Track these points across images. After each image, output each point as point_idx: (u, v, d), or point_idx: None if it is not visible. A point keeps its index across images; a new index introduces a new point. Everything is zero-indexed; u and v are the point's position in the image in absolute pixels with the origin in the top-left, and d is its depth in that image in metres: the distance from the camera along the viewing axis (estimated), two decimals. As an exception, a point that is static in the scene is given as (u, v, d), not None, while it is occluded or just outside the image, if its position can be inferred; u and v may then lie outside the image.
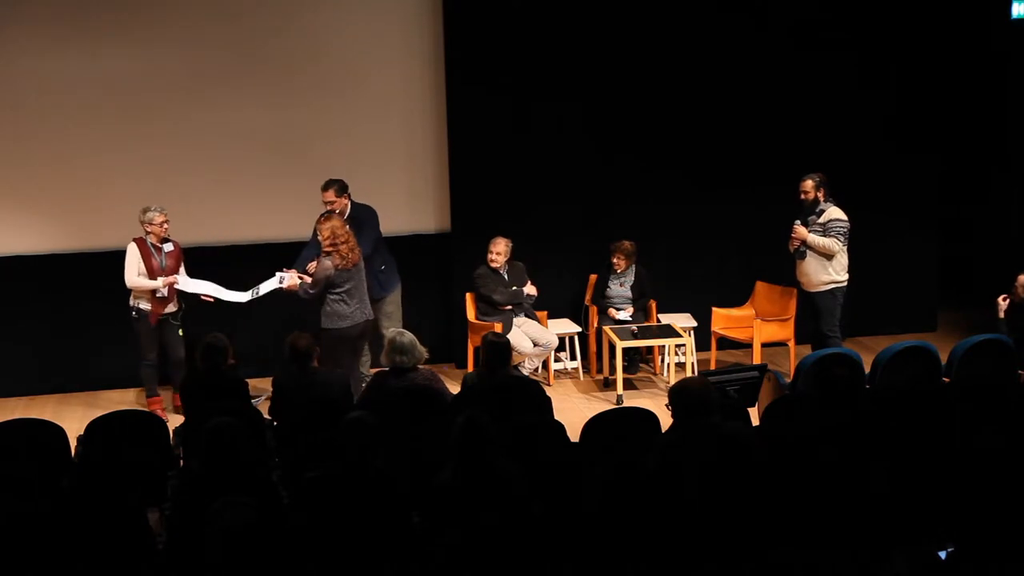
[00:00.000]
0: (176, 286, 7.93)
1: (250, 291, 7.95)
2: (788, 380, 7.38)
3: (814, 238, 8.08)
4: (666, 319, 8.94)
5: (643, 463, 4.99)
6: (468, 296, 8.90)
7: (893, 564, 3.99)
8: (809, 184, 8.19)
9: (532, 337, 8.56)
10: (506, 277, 8.68)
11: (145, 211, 7.88)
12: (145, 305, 7.91)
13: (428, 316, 9.06)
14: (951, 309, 10.18)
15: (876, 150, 9.64)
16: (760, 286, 9.17)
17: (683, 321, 8.94)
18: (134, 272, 7.85)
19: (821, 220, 8.10)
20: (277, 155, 8.85)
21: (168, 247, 7.98)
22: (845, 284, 8.19)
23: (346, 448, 4.75)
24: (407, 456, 5.50)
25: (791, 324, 8.77)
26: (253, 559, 3.94)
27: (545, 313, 8.97)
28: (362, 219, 8.09)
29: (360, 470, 4.72)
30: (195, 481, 4.80)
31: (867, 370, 7.29)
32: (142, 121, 8.63)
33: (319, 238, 7.56)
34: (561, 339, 8.97)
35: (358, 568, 4.60)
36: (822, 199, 8.15)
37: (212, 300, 8.00)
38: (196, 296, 8.02)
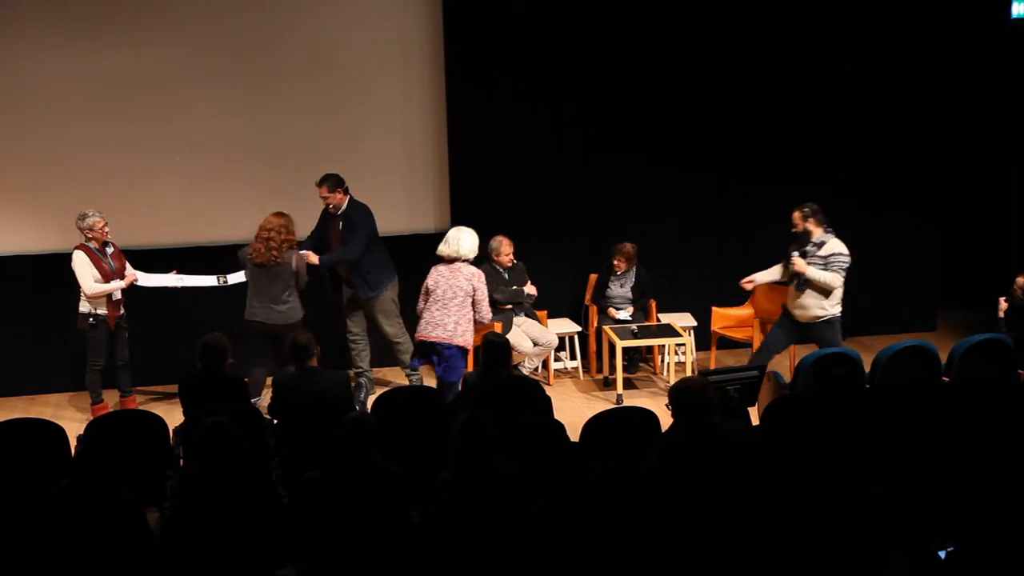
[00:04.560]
0: (137, 283, 7.96)
1: (215, 276, 8.06)
2: (788, 380, 7.38)
3: (814, 272, 7.68)
4: (666, 319, 8.94)
5: (643, 463, 4.99)
6: (468, 296, 8.90)
7: (893, 564, 4.00)
8: (796, 216, 7.80)
9: (532, 336, 8.56)
10: (507, 276, 8.68)
11: (83, 217, 7.83)
12: (103, 311, 7.90)
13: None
14: (951, 309, 10.19)
15: (876, 150, 9.64)
16: (760, 286, 9.15)
17: (683, 321, 8.94)
18: (91, 280, 7.81)
19: (822, 253, 7.72)
20: (278, 156, 8.85)
21: (110, 248, 7.99)
22: (839, 313, 7.86)
23: (346, 448, 4.75)
24: (408, 455, 5.50)
25: (791, 324, 8.76)
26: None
27: (545, 313, 8.97)
28: (355, 219, 8.11)
29: (360, 470, 4.72)
30: (193, 481, 4.80)
31: (867, 369, 7.29)
32: (142, 123, 8.64)
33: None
34: (561, 339, 8.97)
35: (358, 567, 4.60)
36: (816, 228, 7.77)
37: (178, 288, 8.13)
38: (161, 289, 8.11)
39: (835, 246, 7.76)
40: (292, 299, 7.75)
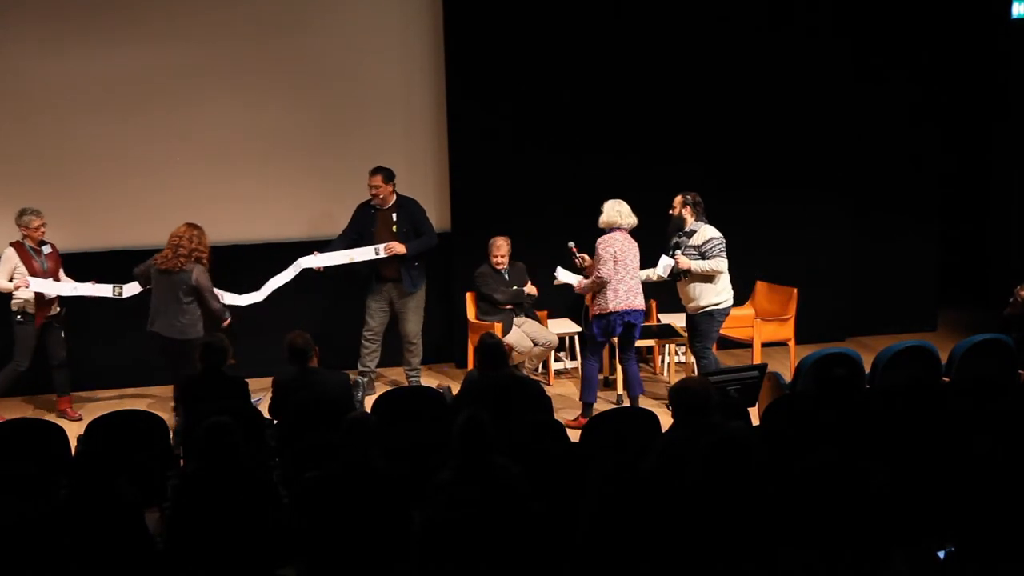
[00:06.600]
0: (28, 288, 7.76)
1: (111, 286, 7.91)
2: (788, 380, 7.38)
3: (697, 264, 7.77)
4: (666, 319, 8.94)
5: (643, 463, 4.98)
6: (468, 296, 8.91)
7: (893, 564, 3.99)
8: (677, 200, 7.94)
9: (532, 337, 8.56)
10: (507, 277, 8.69)
11: (22, 214, 7.79)
12: (31, 309, 7.84)
13: (428, 316, 9.05)
14: (951, 309, 10.19)
15: (876, 150, 9.65)
16: (760, 286, 9.17)
17: (683, 321, 8.92)
18: (4, 277, 7.75)
19: (695, 242, 7.82)
20: (278, 156, 8.87)
21: (47, 249, 7.93)
22: (725, 305, 7.88)
23: (346, 448, 4.75)
24: (408, 455, 5.50)
25: (791, 324, 8.77)
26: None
27: (545, 313, 8.98)
28: (414, 210, 8.26)
29: (360, 470, 4.72)
30: (193, 480, 4.80)
31: (867, 369, 7.29)
32: (141, 122, 8.65)
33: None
34: (561, 339, 8.97)
35: (358, 568, 4.60)
36: (689, 217, 7.87)
37: (74, 297, 7.95)
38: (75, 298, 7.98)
39: (707, 232, 7.85)
40: (190, 315, 7.55)
